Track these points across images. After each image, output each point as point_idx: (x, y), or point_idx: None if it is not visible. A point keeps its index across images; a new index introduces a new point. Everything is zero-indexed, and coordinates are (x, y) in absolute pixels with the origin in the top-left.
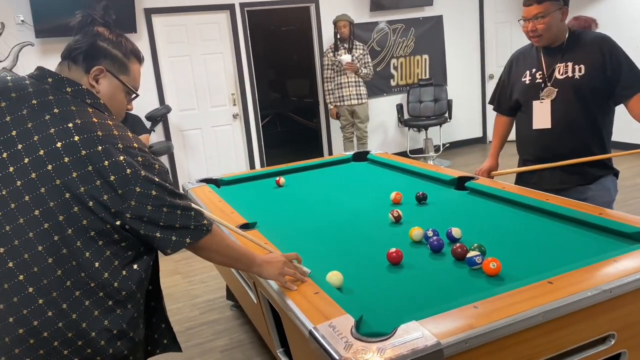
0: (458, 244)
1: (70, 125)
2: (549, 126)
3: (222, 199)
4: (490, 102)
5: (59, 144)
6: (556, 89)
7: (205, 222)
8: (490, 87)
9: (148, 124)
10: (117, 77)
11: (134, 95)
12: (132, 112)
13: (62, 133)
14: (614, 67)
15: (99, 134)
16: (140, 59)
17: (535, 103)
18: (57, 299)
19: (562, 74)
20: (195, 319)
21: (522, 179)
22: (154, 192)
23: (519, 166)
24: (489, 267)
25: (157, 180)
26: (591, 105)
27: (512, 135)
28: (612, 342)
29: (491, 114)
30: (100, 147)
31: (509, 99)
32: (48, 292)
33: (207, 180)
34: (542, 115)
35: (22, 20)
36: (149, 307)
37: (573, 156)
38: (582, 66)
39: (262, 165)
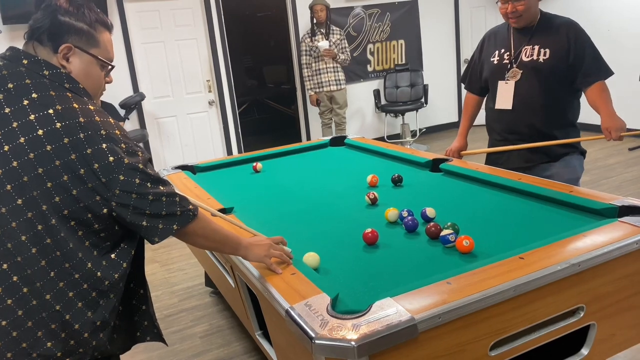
0: (432, 223)
1: (51, 111)
2: (510, 107)
3: (198, 185)
4: (462, 81)
5: (40, 132)
6: (521, 71)
7: (190, 207)
8: None
9: (122, 112)
10: (87, 52)
11: (109, 67)
12: (105, 99)
13: (42, 120)
14: (577, 54)
15: (81, 120)
16: (108, 27)
17: (501, 83)
18: (41, 289)
19: (528, 57)
20: (174, 306)
21: (491, 159)
22: (137, 180)
23: (489, 146)
24: (462, 245)
25: (140, 167)
26: (554, 88)
27: (481, 119)
28: (582, 315)
29: None
30: (82, 135)
31: (480, 78)
32: (32, 282)
33: (183, 167)
34: (505, 96)
35: None
36: (138, 294)
37: (534, 136)
38: (548, 50)
39: (239, 153)
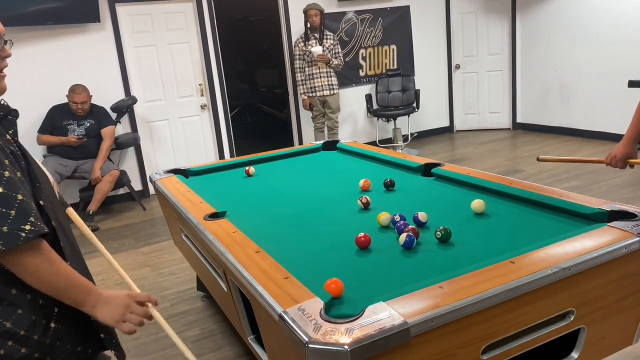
0: (410, 227)
1: None
2: None
3: (190, 189)
4: None
5: None
6: None
7: (28, 228)
8: (457, 76)
9: (114, 116)
10: None
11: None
12: (97, 102)
13: None
14: None
15: None
16: None
17: None
18: None
19: None
20: (166, 310)
21: None
22: None
23: None
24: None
25: None
26: None
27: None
28: (572, 318)
29: (458, 103)
30: None
31: None
32: None
33: (175, 171)
34: None
35: None
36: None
37: None
38: None
39: (231, 157)
